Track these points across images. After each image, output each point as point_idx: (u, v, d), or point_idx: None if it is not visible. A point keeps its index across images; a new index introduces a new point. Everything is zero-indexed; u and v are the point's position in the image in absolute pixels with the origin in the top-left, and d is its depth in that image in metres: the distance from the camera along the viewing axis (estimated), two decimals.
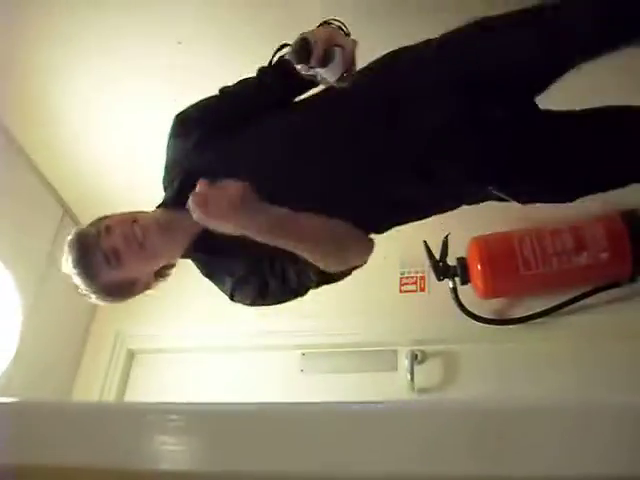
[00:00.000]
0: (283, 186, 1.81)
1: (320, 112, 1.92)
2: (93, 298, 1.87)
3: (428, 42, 1.94)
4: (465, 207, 3.01)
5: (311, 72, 1.71)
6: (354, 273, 3.15)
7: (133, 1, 2.64)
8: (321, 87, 1.90)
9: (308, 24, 1.78)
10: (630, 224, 2.87)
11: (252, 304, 1.99)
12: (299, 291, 1.92)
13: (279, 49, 1.86)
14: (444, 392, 3.04)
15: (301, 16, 1.93)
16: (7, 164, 3.15)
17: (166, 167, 1.99)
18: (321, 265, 1.83)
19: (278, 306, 3.22)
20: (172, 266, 1.98)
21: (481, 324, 2.98)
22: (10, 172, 3.16)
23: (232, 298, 1.96)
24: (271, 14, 2.55)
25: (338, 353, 3.23)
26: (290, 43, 1.79)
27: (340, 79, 1.71)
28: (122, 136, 3.13)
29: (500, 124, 1.85)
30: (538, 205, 2.94)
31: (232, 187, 1.65)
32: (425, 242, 2.95)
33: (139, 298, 3.40)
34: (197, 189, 1.63)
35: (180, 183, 1.89)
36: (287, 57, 1.74)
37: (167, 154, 1.99)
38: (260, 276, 1.88)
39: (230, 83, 1.99)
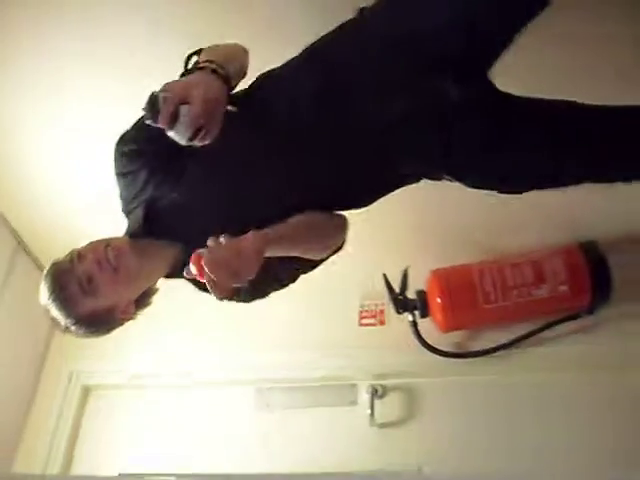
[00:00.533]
0: (246, 205, 1.83)
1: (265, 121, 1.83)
2: (73, 331, 1.81)
3: (360, 19, 1.85)
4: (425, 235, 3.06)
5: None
6: (313, 306, 3.17)
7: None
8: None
9: None
10: (589, 256, 2.87)
11: (251, 301, 2.00)
12: (290, 283, 1.99)
13: (191, 55, 1.75)
14: (405, 426, 3.00)
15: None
16: None
17: (122, 199, 1.92)
18: (310, 256, 1.92)
19: (234, 340, 3.22)
20: (153, 293, 1.95)
21: (441, 357, 2.95)
22: None
23: (233, 299, 1.94)
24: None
25: (295, 388, 3.18)
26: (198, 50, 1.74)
27: (192, 140, 1.57)
28: (76, 167, 3.08)
29: (457, 106, 1.76)
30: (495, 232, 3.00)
31: (248, 246, 1.62)
32: (385, 275, 2.94)
33: None
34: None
35: (145, 215, 1.84)
36: (141, 109, 1.60)
37: (120, 189, 1.92)
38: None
39: None
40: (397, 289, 2.95)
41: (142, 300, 1.91)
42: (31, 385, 3.42)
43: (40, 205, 3.26)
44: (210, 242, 1.58)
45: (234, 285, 1.61)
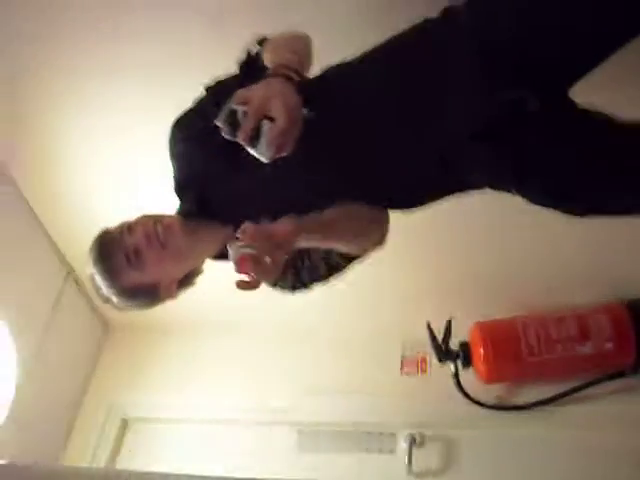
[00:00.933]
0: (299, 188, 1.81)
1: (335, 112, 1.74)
2: (114, 302, 1.83)
3: (448, 17, 1.73)
4: (469, 287, 3.05)
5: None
6: (356, 353, 3.17)
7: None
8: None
9: None
10: (635, 314, 2.86)
11: (293, 292, 1.97)
12: (330, 276, 1.95)
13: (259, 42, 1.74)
14: (442, 477, 2.97)
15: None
16: (15, 221, 3.16)
17: (176, 181, 1.92)
18: (347, 250, 1.87)
19: (278, 382, 3.22)
20: (198, 274, 1.94)
21: (482, 409, 2.93)
22: (16, 229, 3.17)
23: (275, 286, 1.94)
24: None
25: (335, 432, 3.17)
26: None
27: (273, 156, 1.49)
28: (130, 198, 3.07)
29: (532, 117, 1.66)
30: (540, 287, 2.98)
31: (281, 232, 1.55)
32: (428, 323, 2.94)
33: (136, 366, 3.44)
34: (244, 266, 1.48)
35: (198, 197, 1.85)
36: (217, 123, 1.51)
37: (174, 171, 1.91)
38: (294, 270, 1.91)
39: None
40: (440, 338, 2.95)
41: (186, 280, 1.90)
42: (70, 416, 3.45)
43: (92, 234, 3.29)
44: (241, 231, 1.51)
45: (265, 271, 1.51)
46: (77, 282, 3.43)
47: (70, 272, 3.42)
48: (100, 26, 2.54)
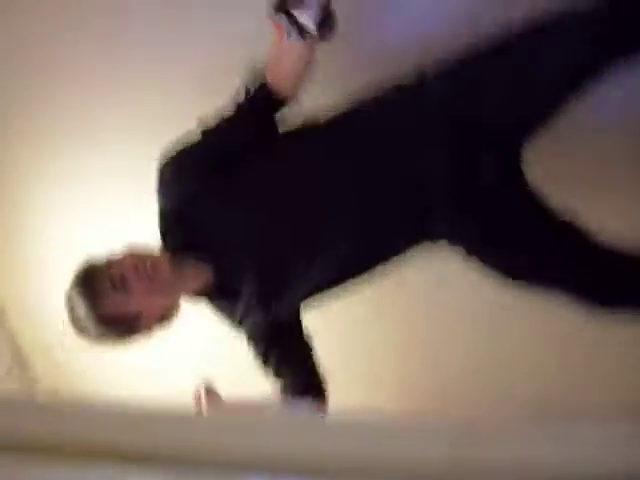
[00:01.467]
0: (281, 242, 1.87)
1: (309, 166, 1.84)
2: (92, 332, 1.77)
3: (421, 77, 1.84)
4: None
5: (290, 23, 1.60)
6: None
7: None
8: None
9: None
10: None
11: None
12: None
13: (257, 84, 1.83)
14: None
15: None
16: None
17: (161, 216, 1.92)
18: None
19: None
20: (176, 310, 1.89)
21: None
22: None
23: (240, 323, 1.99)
24: None
25: None
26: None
27: (322, 28, 1.61)
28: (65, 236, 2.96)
29: (490, 190, 1.80)
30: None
31: None
32: None
33: None
34: None
35: (184, 234, 1.88)
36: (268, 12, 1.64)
37: (160, 205, 1.91)
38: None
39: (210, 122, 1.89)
40: None
41: (165, 315, 1.87)
42: None
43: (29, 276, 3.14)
44: None
45: None
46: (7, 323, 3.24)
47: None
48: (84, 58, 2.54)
